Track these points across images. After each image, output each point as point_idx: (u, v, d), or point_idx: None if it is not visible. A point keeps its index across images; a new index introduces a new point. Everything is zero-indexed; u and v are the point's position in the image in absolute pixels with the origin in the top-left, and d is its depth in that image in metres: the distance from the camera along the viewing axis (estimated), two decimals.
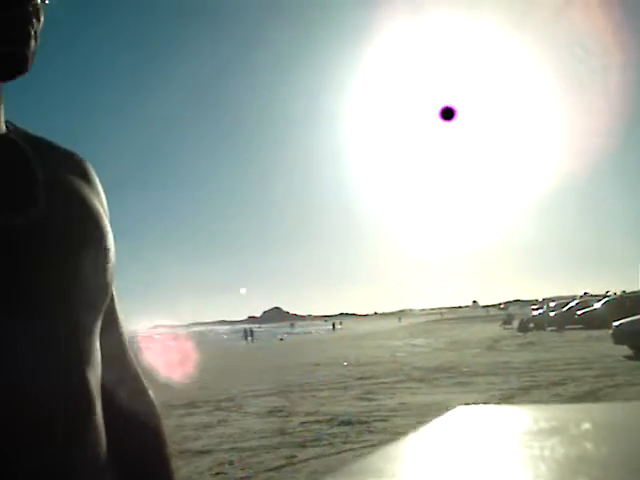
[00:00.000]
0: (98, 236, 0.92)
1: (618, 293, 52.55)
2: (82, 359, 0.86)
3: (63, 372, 0.83)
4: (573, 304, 42.81)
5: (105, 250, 0.92)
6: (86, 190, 0.96)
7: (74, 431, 0.83)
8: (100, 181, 1.01)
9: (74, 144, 1.01)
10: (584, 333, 31.24)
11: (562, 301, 54.75)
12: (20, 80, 0.83)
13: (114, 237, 0.93)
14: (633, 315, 21.06)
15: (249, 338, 69.42)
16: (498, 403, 11.15)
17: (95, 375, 0.88)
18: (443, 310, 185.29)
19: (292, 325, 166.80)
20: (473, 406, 1.36)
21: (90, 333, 0.89)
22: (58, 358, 0.83)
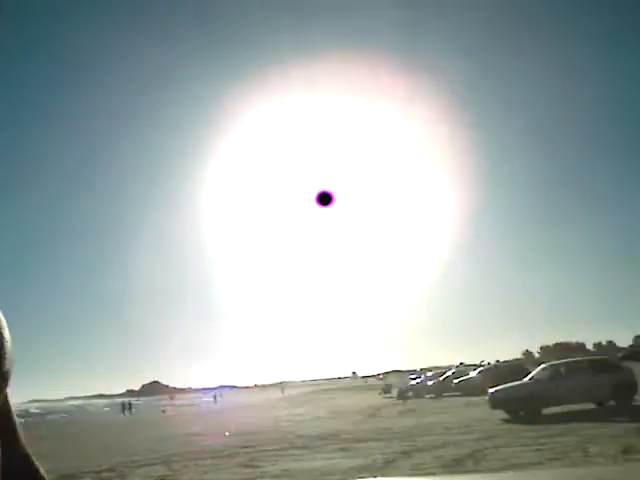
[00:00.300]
0: None
1: (492, 362, 54.28)
2: None
3: None
4: (450, 373, 43.78)
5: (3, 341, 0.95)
6: None
7: None
8: None
9: None
10: (462, 400, 31.97)
11: (439, 370, 55.87)
12: None
13: None
14: (506, 382, 21.91)
15: (126, 411, 66.92)
16: (384, 465, 11.22)
17: None
18: (322, 381, 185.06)
19: (172, 398, 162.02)
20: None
21: None
22: None
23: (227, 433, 22.70)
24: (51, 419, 64.43)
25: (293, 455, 14.20)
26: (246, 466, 12.79)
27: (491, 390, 21.06)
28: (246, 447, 16.70)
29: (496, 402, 20.38)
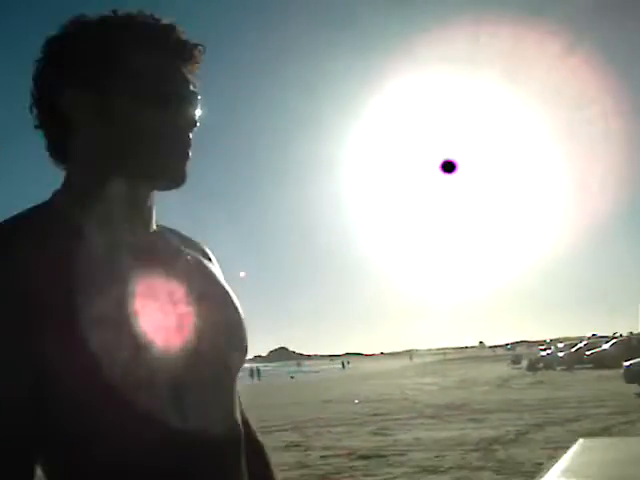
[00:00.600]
0: (238, 313, 1.21)
1: (625, 334, 52.46)
2: (236, 400, 1.17)
3: (230, 412, 1.14)
4: (582, 345, 42.76)
5: (242, 324, 1.21)
6: (215, 269, 1.25)
7: (237, 461, 1.11)
8: None
9: None
10: (594, 373, 31.23)
11: (570, 342, 54.62)
12: None
13: None
14: None
15: (255, 377, 69.25)
16: (516, 437, 11.28)
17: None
18: (449, 350, 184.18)
19: (299, 364, 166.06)
20: (595, 439, 1.56)
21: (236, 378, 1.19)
22: (231, 411, 1.14)
23: (356, 400, 23.21)
24: None
25: (423, 424, 14.43)
26: (377, 434, 13.11)
27: (626, 363, 20.48)
28: (376, 415, 17.07)
29: (631, 376, 19.80)
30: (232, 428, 1.12)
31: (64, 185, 1.13)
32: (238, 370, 1.18)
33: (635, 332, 48.77)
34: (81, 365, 0.94)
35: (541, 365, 41.63)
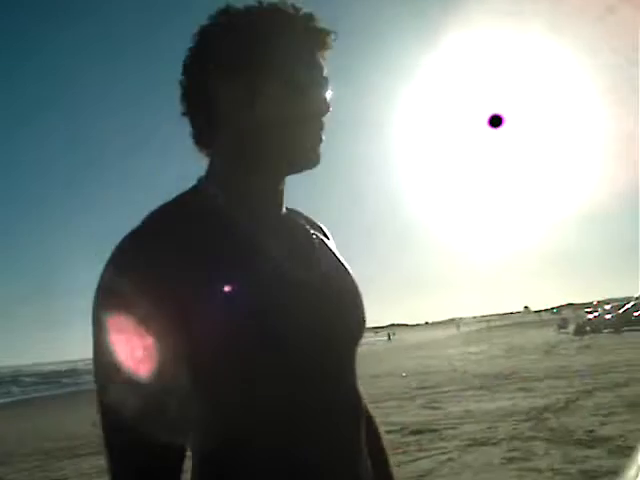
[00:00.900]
0: (356, 285, 1.32)
1: None
2: (355, 379, 1.26)
3: (354, 381, 1.25)
4: (629, 306, 42.23)
5: (361, 298, 1.32)
6: (334, 250, 1.36)
7: (357, 433, 1.22)
8: None
9: None
10: None
11: (617, 303, 53.98)
12: None
13: None
14: None
15: None
16: (566, 405, 11.32)
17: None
18: (494, 317, 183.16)
19: None
20: None
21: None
22: (352, 381, 1.25)
23: (404, 374, 23.32)
24: None
25: (473, 396, 14.49)
26: (427, 407, 13.20)
27: None
28: (424, 388, 17.15)
29: None
30: (357, 397, 1.25)
31: (208, 171, 1.24)
32: (360, 340, 1.28)
33: None
34: (231, 334, 1.06)
35: (588, 329, 41.25)
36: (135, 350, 1.03)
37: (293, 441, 1.10)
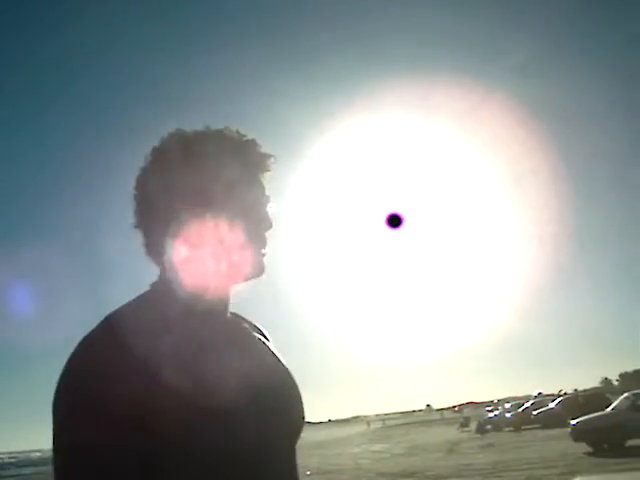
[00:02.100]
0: (296, 383, 1.42)
1: (570, 392, 53.20)
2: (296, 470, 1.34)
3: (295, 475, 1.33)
4: (528, 404, 43.07)
5: (301, 394, 1.42)
6: (274, 350, 1.45)
7: None
8: None
9: None
10: (542, 433, 31.47)
11: (517, 402, 55.00)
12: None
13: None
14: (587, 413, 21.56)
15: None
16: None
17: None
18: (397, 415, 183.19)
19: None
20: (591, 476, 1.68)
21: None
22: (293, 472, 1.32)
23: (308, 472, 22.90)
24: None
25: None
26: None
27: (573, 422, 20.73)
28: None
29: (578, 434, 20.01)
30: None
31: (160, 278, 1.32)
32: (299, 435, 1.37)
33: (580, 390, 49.59)
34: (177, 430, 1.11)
35: (489, 427, 41.74)
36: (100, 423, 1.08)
37: None
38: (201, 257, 1.28)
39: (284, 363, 1.42)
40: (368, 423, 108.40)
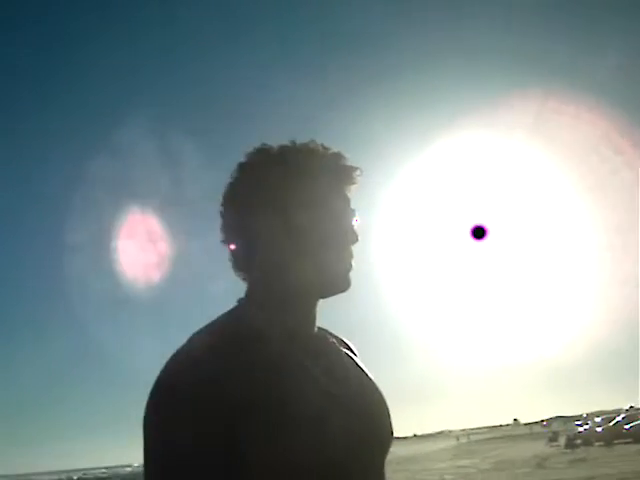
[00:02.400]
0: (384, 398, 1.44)
1: None
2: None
3: None
4: (620, 418, 41.69)
5: (389, 411, 1.43)
6: (362, 365, 1.47)
7: None
8: None
9: None
10: (635, 447, 30.45)
11: (607, 416, 53.30)
12: None
13: None
14: None
15: None
16: None
17: None
18: (483, 429, 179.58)
19: None
20: None
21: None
22: None
23: None
24: None
25: None
26: None
27: None
28: None
29: None
30: None
31: (247, 294, 1.36)
32: (389, 449, 1.38)
33: None
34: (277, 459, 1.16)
35: (579, 442, 40.60)
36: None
37: None
38: (287, 272, 1.31)
39: (371, 377, 1.43)
40: (457, 437, 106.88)
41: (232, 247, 1.37)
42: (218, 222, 1.39)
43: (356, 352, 1.52)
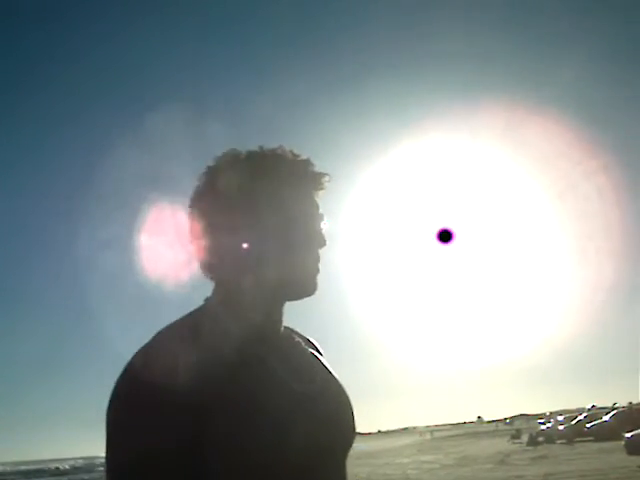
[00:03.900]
0: (348, 396, 1.46)
1: (624, 405, 52.03)
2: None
3: None
4: (582, 417, 42.30)
5: (353, 408, 1.44)
6: (326, 364, 1.49)
7: None
8: None
9: None
10: (595, 445, 30.91)
11: (569, 414, 54.04)
12: None
13: None
14: None
15: None
16: None
17: None
18: (447, 426, 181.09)
19: None
20: None
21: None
22: None
23: None
24: None
25: None
26: None
27: (627, 435, 20.41)
28: None
29: (633, 447, 19.75)
30: None
31: (214, 293, 1.38)
32: (350, 447, 1.40)
33: (635, 402, 48.50)
34: (236, 450, 1.17)
35: (541, 439, 41.12)
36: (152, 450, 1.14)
37: None
38: (254, 273, 1.32)
39: (336, 377, 1.46)
40: (420, 434, 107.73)
41: (199, 247, 1.37)
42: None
43: (322, 352, 1.54)
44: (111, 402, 1.19)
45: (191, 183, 1.39)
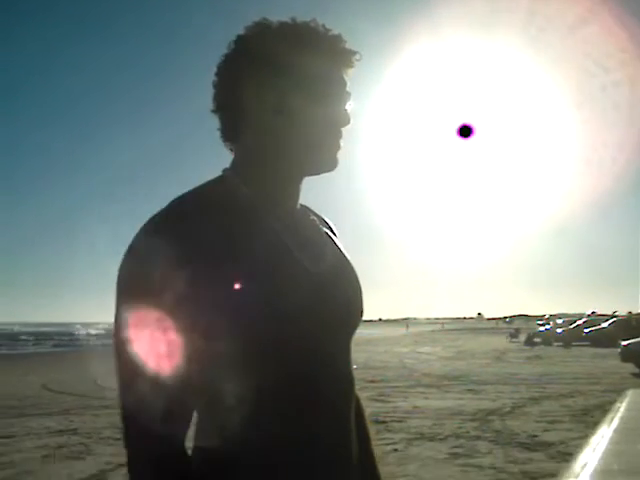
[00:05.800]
0: (357, 278, 1.44)
1: (624, 314, 52.71)
2: (350, 361, 1.37)
3: (349, 364, 1.36)
4: (580, 322, 43.04)
5: (361, 290, 1.43)
6: (339, 244, 1.47)
7: (350, 409, 1.33)
8: None
9: None
10: (591, 350, 31.58)
11: (569, 318, 54.94)
12: None
13: None
14: (639, 335, 21.52)
15: None
16: (512, 410, 11.57)
17: None
18: (447, 320, 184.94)
19: None
20: None
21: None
22: (348, 363, 1.35)
23: (355, 366, 23.51)
24: None
25: (422, 393, 14.74)
26: (376, 400, 13.37)
27: (623, 342, 20.74)
28: (374, 382, 17.32)
29: (627, 355, 20.04)
30: (353, 377, 1.36)
31: (233, 164, 1.35)
32: (357, 327, 1.40)
33: (634, 312, 49.09)
34: (241, 321, 1.16)
35: (539, 340, 41.97)
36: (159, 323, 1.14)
37: (299, 412, 1.22)
38: (275, 147, 1.30)
39: (348, 257, 1.45)
40: (407, 325, 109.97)
41: (221, 115, 1.34)
42: None
43: (336, 232, 1.53)
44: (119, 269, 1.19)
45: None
